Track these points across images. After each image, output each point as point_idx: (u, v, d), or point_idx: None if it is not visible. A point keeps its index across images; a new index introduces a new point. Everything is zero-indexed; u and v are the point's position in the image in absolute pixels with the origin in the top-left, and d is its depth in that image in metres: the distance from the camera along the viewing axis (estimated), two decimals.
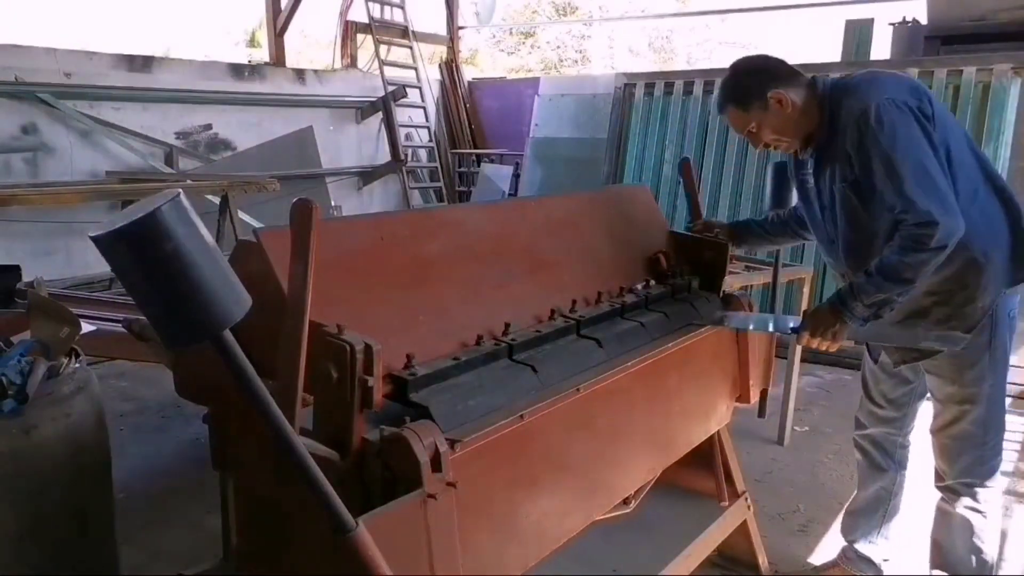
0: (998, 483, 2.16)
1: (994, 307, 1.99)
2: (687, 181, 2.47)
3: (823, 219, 2.12)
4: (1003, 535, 2.85)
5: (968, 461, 2.11)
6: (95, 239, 0.78)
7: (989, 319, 1.99)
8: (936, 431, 2.17)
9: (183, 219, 0.81)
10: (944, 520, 2.21)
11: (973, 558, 2.16)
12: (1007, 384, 2.16)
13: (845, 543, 2.52)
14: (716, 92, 2.09)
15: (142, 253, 0.79)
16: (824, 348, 1.98)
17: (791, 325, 2.03)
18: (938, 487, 2.21)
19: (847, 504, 2.53)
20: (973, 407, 2.06)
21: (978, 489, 2.13)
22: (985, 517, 2.15)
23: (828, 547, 2.72)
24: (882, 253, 1.87)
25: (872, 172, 1.86)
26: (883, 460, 2.38)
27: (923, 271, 1.83)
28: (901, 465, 2.39)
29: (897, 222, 1.83)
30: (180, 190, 0.82)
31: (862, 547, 2.46)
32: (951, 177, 1.86)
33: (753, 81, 2.01)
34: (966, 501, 2.14)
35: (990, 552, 2.17)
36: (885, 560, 2.47)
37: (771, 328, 2.14)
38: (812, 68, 5.66)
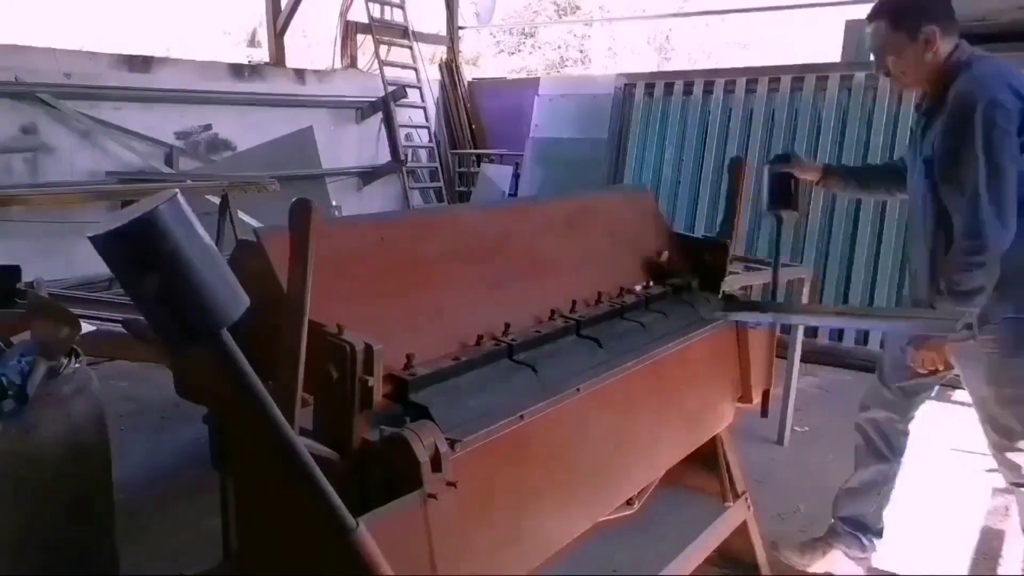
0: None
1: None
2: (736, 182, 2.37)
3: (923, 173, 2.10)
4: (1001, 535, 2.85)
5: None
6: (93, 240, 0.78)
7: None
8: (995, 412, 2.11)
9: (180, 219, 0.81)
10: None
11: None
12: None
13: (834, 519, 2.56)
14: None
15: (139, 253, 0.79)
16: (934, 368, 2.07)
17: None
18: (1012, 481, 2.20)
19: (843, 483, 2.57)
20: None
21: None
22: None
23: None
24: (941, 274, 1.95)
25: (959, 161, 1.90)
26: (883, 446, 2.42)
27: (977, 282, 1.90)
28: (899, 453, 2.43)
29: (963, 216, 1.89)
30: (177, 190, 0.82)
31: (851, 526, 2.51)
32: None
33: (917, 5, 2.00)
34: None
35: None
36: (872, 538, 2.51)
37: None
38: (812, 68, 5.70)
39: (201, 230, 0.84)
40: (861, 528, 2.51)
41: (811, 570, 2.56)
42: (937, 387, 2.34)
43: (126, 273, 0.81)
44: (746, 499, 2.43)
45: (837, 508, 2.56)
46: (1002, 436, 2.13)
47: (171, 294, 0.80)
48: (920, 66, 2.01)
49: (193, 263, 0.81)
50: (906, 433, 2.41)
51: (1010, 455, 2.14)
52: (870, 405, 2.44)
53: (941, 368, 2.09)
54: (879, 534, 2.52)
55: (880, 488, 2.46)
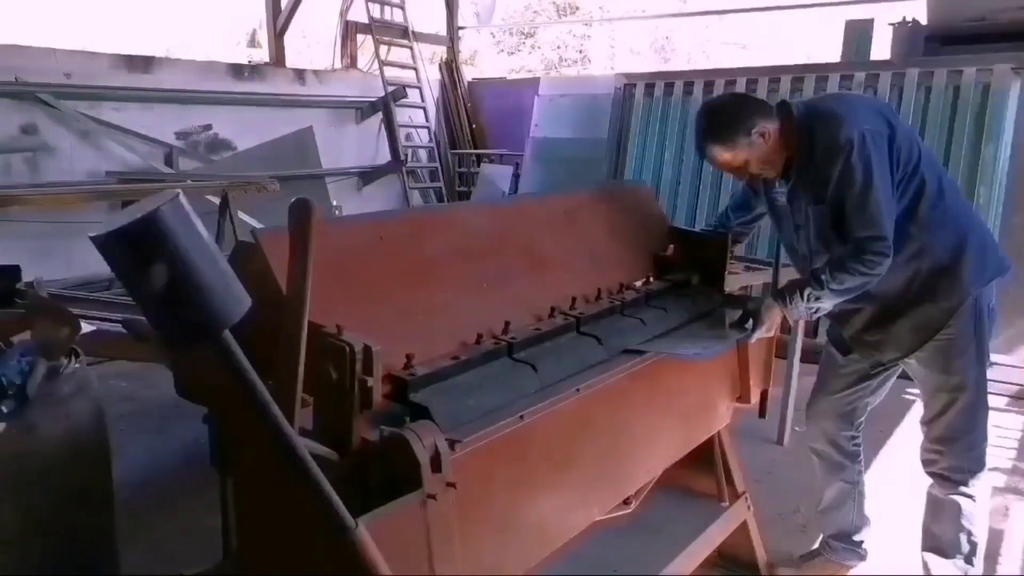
0: (986, 469, 2.24)
1: (976, 299, 2.11)
2: None
3: (797, 238, 2.22)
4: (1000, 534, 2.85)
5: (959, 449, 2.20)
6: (94, 239, 0.78)
7: (973, 309, 2.11)
8: (928, 421, 2.25)
9: (182, 219, 0.81)
10: (936, 506, 2.29)
11: (963, 539, 2.24)
12: (1006, 383, 2.21)
13: (823, 538, 2.59)
14: (695, 136, 2.13)
15: (141, 254, 0.79)
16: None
17: (737, 339, 2.08)
18: (929, 473, 2.28)
19: (817, 505, 2.58)
20: (962, 395, 2.15)
21: (968, 476, 2.20)
22: (975, 501, 2.22)
23: None
24: (836, 268, 2.00)
25: (846, 200, 1.99)
26: (840, 457, 2.45)
27: (862, 288, 2.02)
28: (855, 456, 2.47)
29: (857, 243, 1.97)
30: (180, 190, 0.82)
31: (841, 540, 2.54)
32: (918, 182, 2.06)
33: (734, 119, 2.05)
34: (958, 487, 2.22)
35: (980, 534, 2.26)
36: (861, 542, 2.54)
37: (720, 349, 2.06)
38: (812, 68, 5.69)
39: (203, 230, 0.83)
40: (850, 540, 2.53)
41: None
42: (876, 388, 2.37)
43: (128, 273, 0.81)
44: (746, 499, 2.43)
45: (824, 528, 2.60)
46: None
47: (173, 294, 0.80)
48: (770, 154, 2.08)
49: (195, 263, 0.81)
50: (857, 436, 2.45)
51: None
52: (819, 423, 2.46)
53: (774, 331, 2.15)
54: (868, 522, 2.55)
55: (852, 494, 2.49)
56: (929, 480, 2.29)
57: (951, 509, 2.24)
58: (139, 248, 0.79)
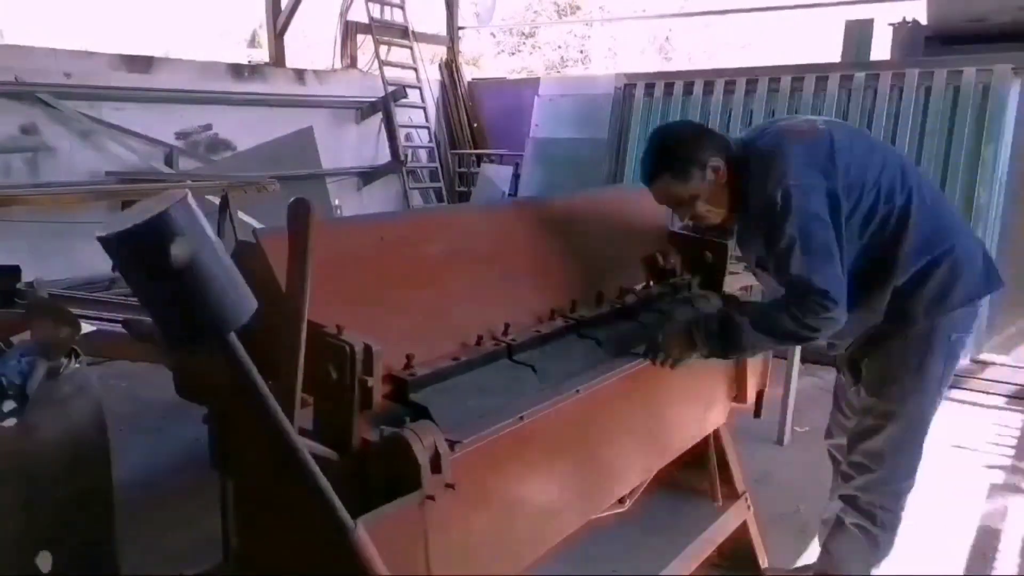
0: (900, 508, 2.09)
1: (931, 330, 1.95)
2: None
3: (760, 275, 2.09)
4: (997, 534, 2.85)
5: (872, 478, 2.05)
6: (102, 240, 0.77)
7: (924, 341, 1.96)
8: (850, 438, 2.12)
9: (191, 220, 0.80)
10: (837, 528, 2.16)
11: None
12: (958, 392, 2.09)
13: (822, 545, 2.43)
14: (644, 162, 1.95)
15: (150, 255, 0.78)
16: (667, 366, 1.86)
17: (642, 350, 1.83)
18: (839, 493, 2.16)
19: (821, 513, 2.45)
20: (888, 425, 2.01)
21: (876, 511, 2.06)
22: (877, 540, 2.09)
23: None
24: (768, 313, 1.87)
25: (777, 251, 1.82)
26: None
27: (811, 339, 1.85)
28: None
29: (791, 291, 1.81)
30: (188, 191, 0.81)
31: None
32: (876, 213, 1.89)
33: (691, 149, 1.89)
34: (859, 517, 2.09)
35: None
36: None
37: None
38: (812, 68, 5.69)
39: (211, 232, 0.83)
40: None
41: None
42: None
43: (135, 274, 0.81)
44: (746, 499, 2.43)
45: (821, 537, 2.44)
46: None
47: (181, 296, 0.80)
48: (720, 194, 1.91)
49: (204, 265, 0.81)
50: None
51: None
52: (833, 433, 2.37)
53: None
54: None
55: None
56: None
57: (851, 540, 2.10)
58: (147, 249, 0.78)
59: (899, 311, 1.95)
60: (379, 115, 7.81)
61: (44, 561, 1.74)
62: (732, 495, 2.39)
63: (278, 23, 7.52)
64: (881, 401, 2.02)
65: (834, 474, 2.38)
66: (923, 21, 5.81)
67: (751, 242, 2.00)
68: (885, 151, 2.09)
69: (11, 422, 1.65)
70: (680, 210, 1.97)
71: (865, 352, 2.07)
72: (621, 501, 1.93)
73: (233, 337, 0.84)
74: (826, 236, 1.81)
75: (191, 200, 0.81)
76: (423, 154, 8.32)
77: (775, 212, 1.81)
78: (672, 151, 1.91)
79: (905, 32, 5.79)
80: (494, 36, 15.48)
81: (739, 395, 2.25)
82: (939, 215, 1.99)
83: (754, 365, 2.26)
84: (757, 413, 2.33)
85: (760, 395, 2.32)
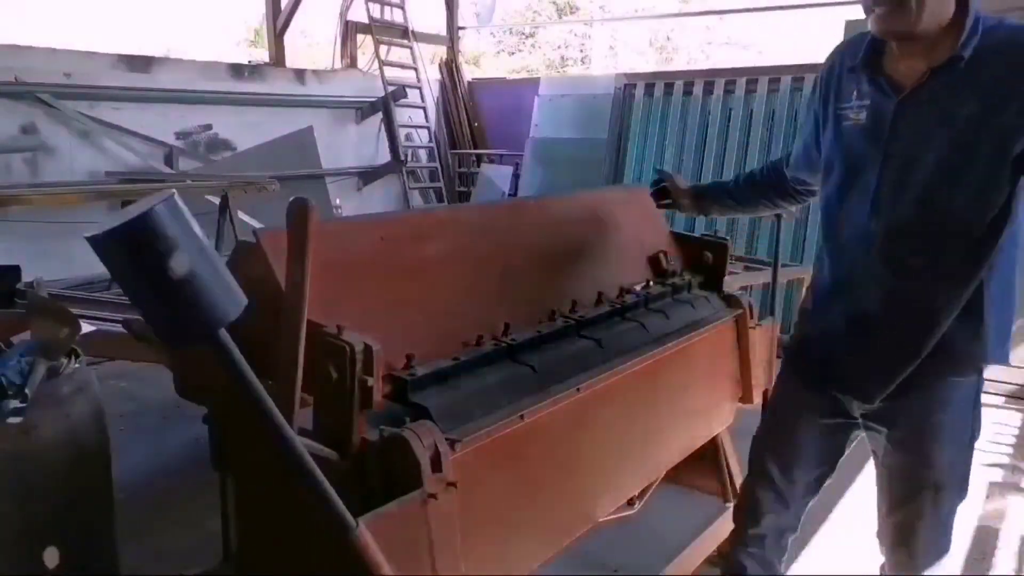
0: None
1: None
2: None
3: (878, 186, 1.46)
4: (996, 533, 2.85)
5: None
6: (90, 240, 0.78)
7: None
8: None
9: (177, 219, 0.80)
10: None
11: None
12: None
13: None
14: None
15: (136, 253, 0.79)
16: None
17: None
18: None
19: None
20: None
21: None
22: None
23: (826, 548, 2.72)
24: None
25: None
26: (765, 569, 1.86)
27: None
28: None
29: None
30: (174, 190, 0.82)
31: None
32: None
33: None
34: None
35: None
36: None
37: None
38: (812, 68, 5.68)
39: (198, 230, 0.83)
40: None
41: None
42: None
43: (123, 273, 0.81)
44: None
45: None
46: None
47: (170, 295, 0.80)
48: (944, 10, 1.35)
49: (192, 263, 0.81)
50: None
51: None
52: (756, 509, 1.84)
53: None
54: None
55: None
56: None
57: None
58: (134, 248, 0.78)
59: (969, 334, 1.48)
60: (379, 115, 7.81)
61: (51, 557, 1.74)
62: (732, 495, 2.39)
63: (278, 23, 7.52)
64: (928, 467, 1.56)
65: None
66: None
67: (945, 112, 1.39)
68: None
69: (16, 420, 1.65)
70: (894, 9, 1.34)
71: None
72: (630, 503, 1.93)
73: (224, 334, 0.84)
74: None
75: (177, 199, 0.81)
76: (423, 154, 8.32)
77: None
78: None
79: None
80: (494, 36, 15.48)
81: (744, 395, 2.25)
82: None
83: (759, 365, 2.26)
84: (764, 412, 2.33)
85: (766, 395, 2.32)
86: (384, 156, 7.89)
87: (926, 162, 1.42)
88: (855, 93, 1.53)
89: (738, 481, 2.40)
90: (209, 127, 6.48)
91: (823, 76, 1.64)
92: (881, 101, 1.48)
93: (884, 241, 1.48)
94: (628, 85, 6.48)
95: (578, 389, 1.56)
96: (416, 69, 8.10)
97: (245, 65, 7.30)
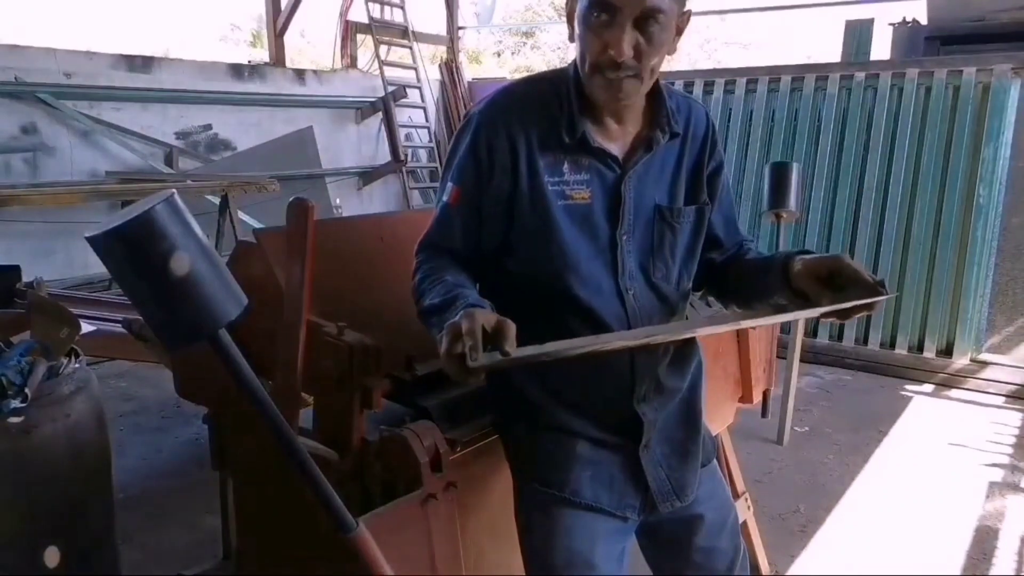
0: None
1: None
2: None
3: (608, 248, 1.25)
4: (996, 533, 2.85)
5: None
6: (90, 240, 0.78)
7: None
8: None
9: (177, 219, 0.80)
10: None
11: None
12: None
13: None
14: None
15: (136, 253, 0.79)
16: None
17: None
18: None
19: None
20: None
21: None
22: None
23: (827, 547, 2.72)
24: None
25: (721, 200, 1.41)
26: None
27: None
28: None
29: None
30: (174, 190, 0.82)
31: None
32: None
33: None
34: None
35: None
36: None
37: None
38: (812, 68, 5.69)
39: (198, 229, 0.83)
40: None
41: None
42: None
43: (123, 273, 0.81)
44: (746, 499, 2.43)
45: None
46: None
47: (169, 295, 0.80)
48: (661, 58, 1.28)
49: (192, 263, 0.81)
50: None
51: None
52: None
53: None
54: None
55: None
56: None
57: None
58: (134, 248, 0.78)
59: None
60: (379, 115, 7.81)
61: (51, 557, 1.74)
62: (732, 495, 2.39)
63: (278, 23, 7.53)
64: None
65: None
66: (923, 21, 5.82)
67: (661, 184, 1.33)
68: None
69: (17, 420, 1.65)
70: (622, 43, 1.19)
71: None
72: None
73: (224, 334, 0.84)
74: None
75: (177, 198, 0.81)
76: (423, 154, 8.32)
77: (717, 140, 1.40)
78: None
79: (905, 32, 5.80)
80: (494, 36, 15.48)
81: (745, 395, 2.25)
82: None
83: (759, 365, 2.26)
84: (765, 413, 2.33)
85: (767, 395, 2.32)
86: (384, 156, 7.89)
87: None
88: None
89: (738, 481, 2.40)
90: (209, 127, 6.49)
91: None
92: None
93: None
94: None
95: None
96: (416, 69, 8.10)
97: (245, 65, 7.31)
